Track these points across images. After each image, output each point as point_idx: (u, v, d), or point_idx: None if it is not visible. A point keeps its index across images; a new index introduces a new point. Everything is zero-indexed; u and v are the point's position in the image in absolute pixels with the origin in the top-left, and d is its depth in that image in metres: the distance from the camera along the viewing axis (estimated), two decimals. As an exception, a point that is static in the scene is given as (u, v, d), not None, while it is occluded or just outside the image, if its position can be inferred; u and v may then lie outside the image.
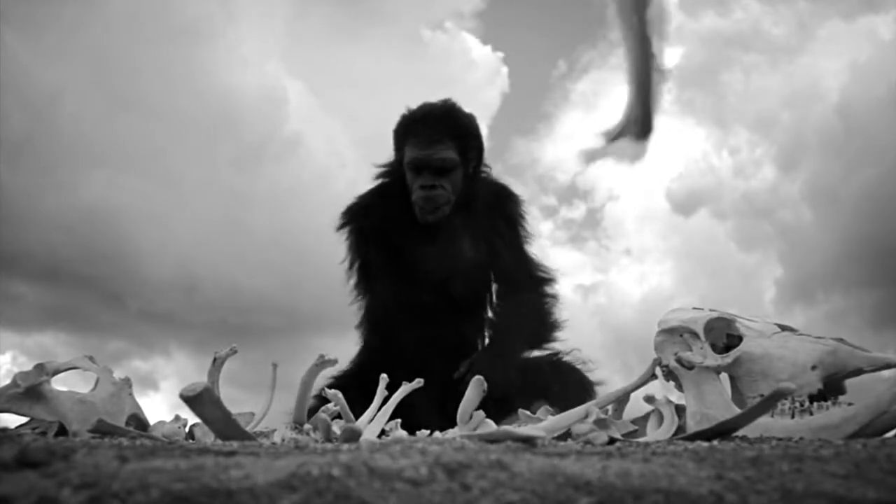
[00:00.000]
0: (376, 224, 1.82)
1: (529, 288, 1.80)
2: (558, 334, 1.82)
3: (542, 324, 1.80)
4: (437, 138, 1.73)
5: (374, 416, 1.06)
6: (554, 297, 1.83)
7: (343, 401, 1.11)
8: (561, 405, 1.65)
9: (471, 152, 1.80)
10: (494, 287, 1.86)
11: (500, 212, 1.85)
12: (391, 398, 1.08)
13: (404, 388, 1.10)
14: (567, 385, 1.70)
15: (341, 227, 1.86)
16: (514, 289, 1.79)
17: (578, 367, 1.80)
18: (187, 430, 1.12)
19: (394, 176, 1.85)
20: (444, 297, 1.79)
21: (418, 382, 1.10)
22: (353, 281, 1.86)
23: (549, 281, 1.85)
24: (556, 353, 1.82)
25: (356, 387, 1.35)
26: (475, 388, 0.96)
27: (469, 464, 0.43)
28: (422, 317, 1.79)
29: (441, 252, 1.77)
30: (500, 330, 1.74)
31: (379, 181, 1.88)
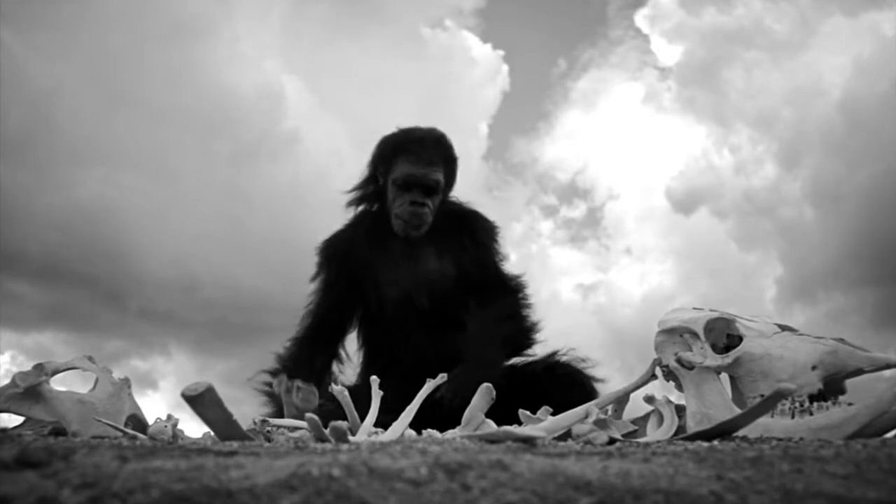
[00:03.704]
0: (357, 257, 1.88)
1: (501, 296, 1.83)
2: (536, 337, 1.84)
3: (518, 329, 1.81)
4: (432, 160, 1.82)
5: (375, 417, 1.06)
6: (526, 300, 1.86)
7: (349, 399, 1.11)
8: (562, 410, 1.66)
9: (451, 178, 1.90)
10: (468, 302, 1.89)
11: (469, 233, 1.90)
12: (416, 398, 1.07)
13: (428, 386, 1.10)
14: (566, 389, 1.70)
15: (321, 266, 1.91)
16: (485, 300, 1.81)
17: (577, 366, 1.79)
18: (174, 429, 1.11)
19: (368, 195, 1.91)
20: (420, 312, 1.83)
21: (441, 378, 1.10)
22: (314, 300, 1.90)
23: (521, 288, 1.87)
24: (552, 355, 1.82)
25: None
26: (483, 396, 0.96)
27: (469, 464, 0.43)
28: (399, 334, 1.83)
29: (419, 268, 1.83)
30: (475, 342, 1.72)
31: (354, 209, 1.94)
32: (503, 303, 1.81)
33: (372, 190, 1.89)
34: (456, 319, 1.81)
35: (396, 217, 1.81)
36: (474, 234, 1.89)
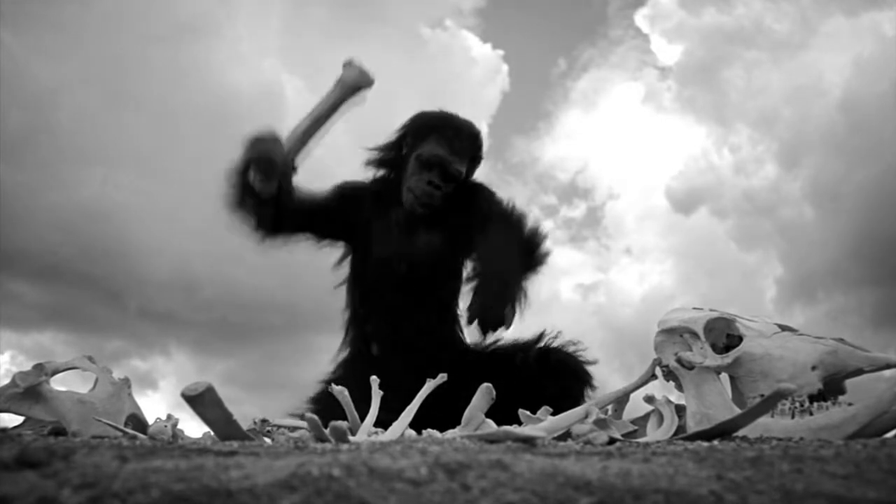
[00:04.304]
0: (361, 209, 1.90)
1: (507, 223, 1.82)
2: (545, 250, 1.80)
3: (529, 246, 1.78)
4: (462, 150, 1.84)
5: (376, 417, 1.06)
6: (530, 223, 1.83)
7: (348, 399, 1.11)
8: (559, 402, 1.66)
9: (469, 175, 1.91)
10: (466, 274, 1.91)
11: (471, 204, 1.90)
12: (416, 398, 1.07)
13: (428, 386, 1.10)
14: (560, 377, 1.70)
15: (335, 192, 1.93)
16: (492, 229, 1.79)
17: (569, 352, 1.79)
18: (174, 429, 1.12)
19: (388, 160, 1.93)
20: (399, 279, 1.84)
21: (442, 377, 1.10)
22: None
23: (524, 216, 1.86)
24: (541, 339, 1.82)
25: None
26: (483, 395, 0.96)
27: (469, 464, 0.43)
28: (376, 297, 1.85)
29: (409, 237, 1.84)
30: (488, 261, 1.70)
31: (373, 170, 1.95)
32: (509, 226, 1.80)
33: (392, 156, 1.91)
34: (434, 292, 1.84)
35: (409, 190, 1.83)
36: (477, 202, 1.90)
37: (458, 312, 1.92)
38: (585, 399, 1.69)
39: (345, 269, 1.96)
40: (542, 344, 1.80)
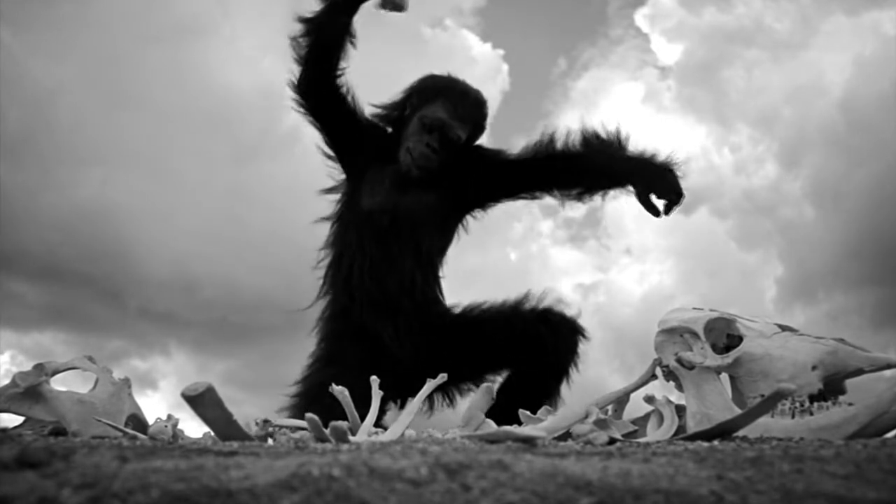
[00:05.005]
0: (362, 148, 1.90)
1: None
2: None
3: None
4: (465, 116, 1.83)
5: (377, 416, 1.06)
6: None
7: (349, 399, 1.11)
8: (554, 357, 1.70)
9: (471, 142, 1.90)
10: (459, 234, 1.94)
11: (473, 166, 1.91)
12: (416, 398, 1.07)
13: (429, 386, 1.10)
14: (561, 334, 1.73)
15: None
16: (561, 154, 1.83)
17: (565, 313, 1.80)
18: (174, 429, 1.11)
19: (391, 118, 1.93)
20: (380, 231, 1.83)
21: (442, 378, 1.10)
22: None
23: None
24: (527, 298, 1.82)
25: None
26: (484, 395, 0.96)
27: (469, 464, 0.43)
28: (356, 249, 1.84)
29: (399, 193, 1.84)
30: (628, 158, 1.75)
31: (377, 122, 1.96)
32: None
33: (396, 115, 1.91)
34: (419, 249, 1.84)
35: (406, 151, 1.82)
36: (481, 160, 1.91)
37: (441, 273, 1.91)
38: (579, 351, 1.75)
39: (327, 227, 1.92)
40: (533, 304, 1.80)
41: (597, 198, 1.86)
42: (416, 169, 1.81)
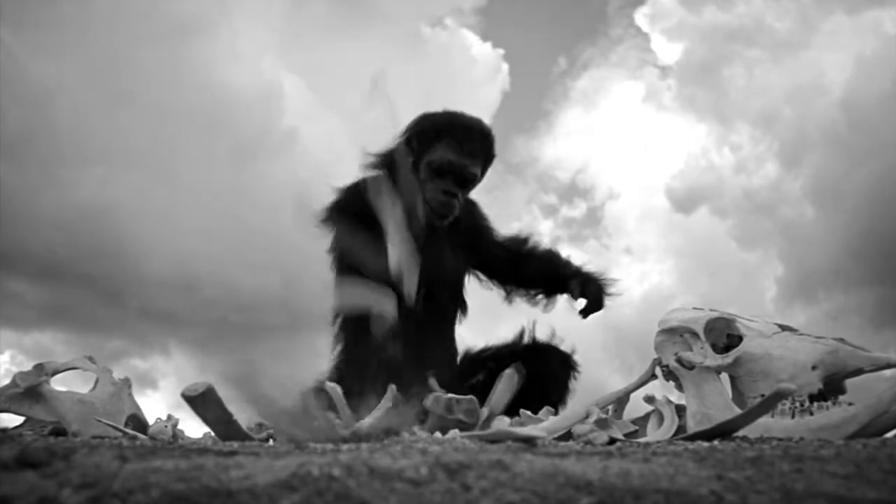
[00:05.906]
0: (364, 218, 1.72)
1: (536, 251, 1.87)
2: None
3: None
4: (475, 152, 1.73)
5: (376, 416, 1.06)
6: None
7: (340, 395, 1.10)
8: (551, 387, 1.71)
9: (484, 174, 1.82)
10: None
11: (470, 221, 1.88)
12: (497, 391, 1.06)
13: (507, 382, 1.09)
14: (549, 364, 1.72)
15: (328, 218, 1.80)
16: (530, 255, 1.85)
17: (553, 343, 1.79)
18: (174, 429, 1.12)
19: (392, 165, 1.78)
20: (424, 301, 1.72)
21: (520, 372, 1.09)
22: (335, 271, 1.80)
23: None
24: (522, 335, 1.82)
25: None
26: (508, 382, 0.95)
27: (469, 464, 0.43)
28: (402, 321, 1.69)
29: (430, 256, 1.71)
30: (567, 266, 1.81)
31: (369, 172, 1.80)
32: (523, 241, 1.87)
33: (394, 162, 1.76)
34: (454, 315, 1.81)
35: (425, 202, 1.70)
36: (474, 218, 1.88)
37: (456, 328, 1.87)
38: (573, 383, 1.77)
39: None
40: (529, 340, 1.80)
41: (544, 303, 1.89)
42: (439, 218, 1.71)
